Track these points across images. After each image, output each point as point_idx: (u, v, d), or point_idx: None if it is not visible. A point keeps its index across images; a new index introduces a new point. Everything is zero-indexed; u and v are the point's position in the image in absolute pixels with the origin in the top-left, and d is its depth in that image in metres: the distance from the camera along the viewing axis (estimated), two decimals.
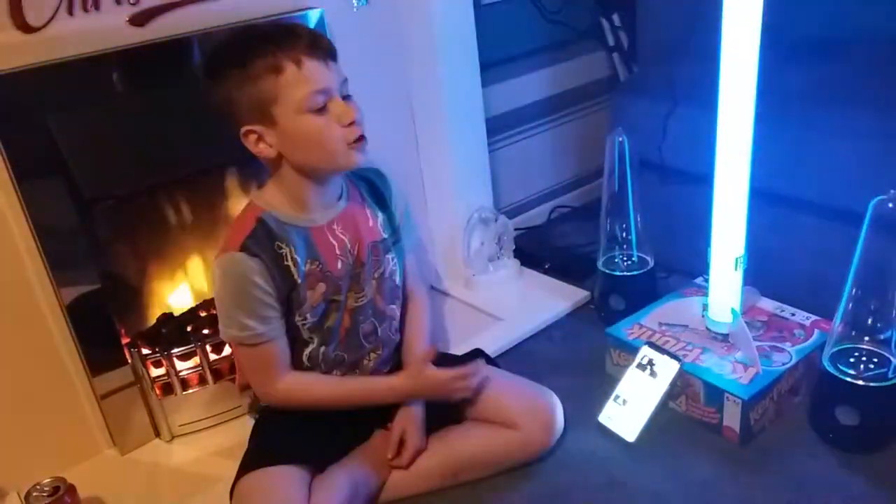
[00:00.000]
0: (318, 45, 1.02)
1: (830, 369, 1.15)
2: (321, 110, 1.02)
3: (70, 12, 1.12)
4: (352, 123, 1.04)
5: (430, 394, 1.17)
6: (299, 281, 1.09)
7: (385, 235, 1.19)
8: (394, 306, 1.22)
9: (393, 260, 1.21)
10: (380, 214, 1.20)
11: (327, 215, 1.13)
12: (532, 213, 2.05)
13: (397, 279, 1.22)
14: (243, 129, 1.04)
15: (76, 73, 1.15)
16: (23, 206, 1.15)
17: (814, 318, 1.34)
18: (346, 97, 1.06)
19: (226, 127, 1.05)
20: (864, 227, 1.09)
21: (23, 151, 1.13)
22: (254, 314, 1.07)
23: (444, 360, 1.25)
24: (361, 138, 1.06)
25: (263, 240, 1.07)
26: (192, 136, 1.27)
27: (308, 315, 1.12)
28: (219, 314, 1.10)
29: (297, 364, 1.15)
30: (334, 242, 1.13)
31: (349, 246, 1.14)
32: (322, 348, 1.15)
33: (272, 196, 1.11)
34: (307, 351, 1.15)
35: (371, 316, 1.19)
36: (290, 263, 1.08)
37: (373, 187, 1.21)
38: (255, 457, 1.10)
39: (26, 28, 1.09)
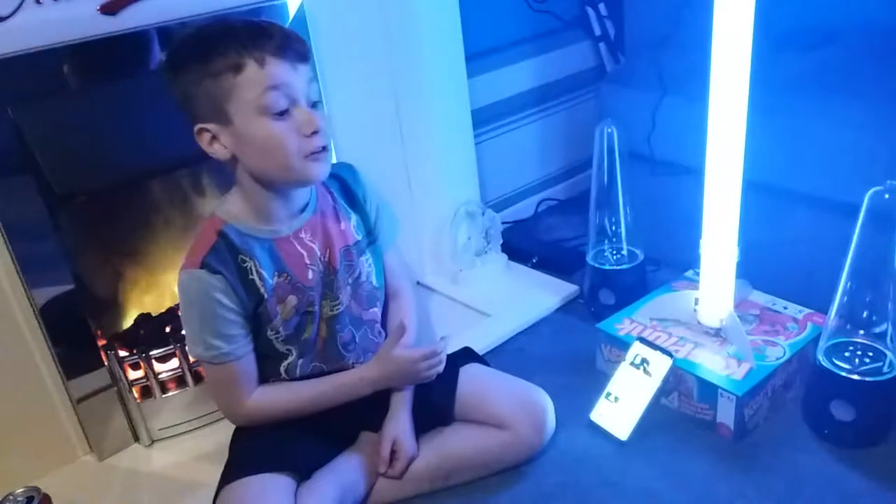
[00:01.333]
0: (288, 46, 0.96)
1: (825, 364, 1.14)
2: (282, 115, 0.96)
3: (38, 0, 1.08)
4: (314, 133, 0.97)
5: (400, 377, 1.12)
6: (266, 296, 1.04)
7: (358, 238, 1.14)
8: (374, 310, 1.18)
9: (368, 262, 1.15)
10: (353, 216, 1.14)
11: (293, 224, 1.07)
12: (518, 206, 2.02)
13: (374, 281, 1.17)
14: (197, 127, 0.98)
15: (45, 64, 1.11)
16: None
17: (806, 311, 1.32)
18: (314, 104, 0.99)
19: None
20: (860, 218, 1.08)
21: None
22: (218, 333, 1.03)
23: None
24: (322, 150, 0.99)
25: (225, 254, 1.02)
26: (167, 130, 1.22)
27: (280, 329, 1.08)
28: (185, 332, 1.07)
29: (274, 378, 1.12)
30: (303, 252, 1.08)
31: (319, 253, 1.09)
32: (300, 360, 1.11)
33: (234, 206, 1.05)
34: (284, 364, 1.11)
35: (349, 324, 1.14)
36: (255, 277, 1.03)
37: (344, 186, 1.15)
38: (238, 465, 1.06)
39: None
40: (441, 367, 1.14)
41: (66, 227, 1.21)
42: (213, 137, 0.99)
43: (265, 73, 0.94)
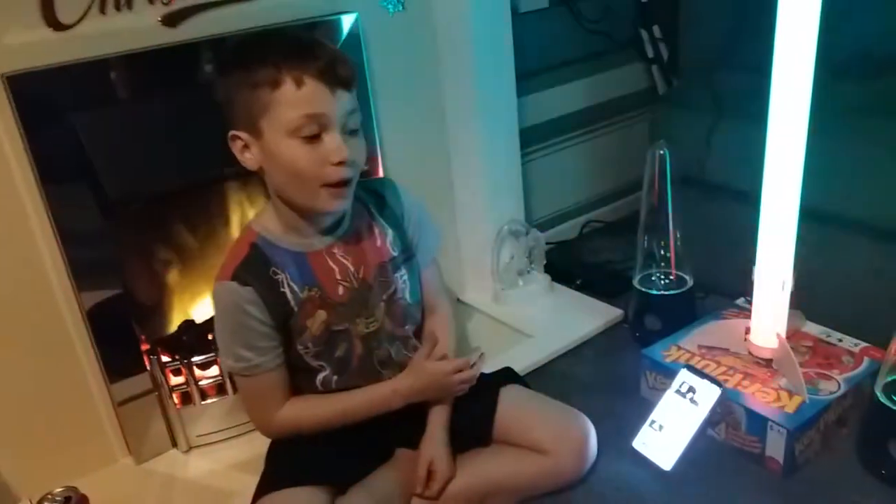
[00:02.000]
0: (331, 71, 0.94)
1: (884, 401, 1.08)
2: (312, 140, 0.95)
3: (102, 11, 1.11)
4: (341, 163, 0.96)
5: (433, 389, 1.10)
6: (295, 309, 1.04)
7: (394, 254, 1.12)
8: (408, 326, 1.16)
9: (403, 278, 1.13)
10: (390, 232, 1.13)
11: (326, 240, 1.07)
12: (563, 227, 2.00)
13: (408, 297, 1.14)
14: (231, 133, 0.99)
15: (106, 72, 1.13)
16: (47, 208, 1.13)
17: (863, 344, 1.27)
18: (352, 132, 0.98)
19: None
20: None
21: (49, 152, 1.11)
22: (249, 345, 1.03)
23: None
24: (344, 183, 0.98)
25: (257, 266, 1.02)
26: (221, 139, 1.24)
27: (310, 344, 1.07)
28: (217, 343, 1.07)
29: (310, 391, 1.11)
30: (334, 267, 1.07)
31: (352, 269, 1.08)
32: (335, 377, 1.10)
33: (269, 219, 1.06)
34: (320, 377, 1.10)
35: (385, 342, 1.12)
36: (286, 290, 1.03)
37: (382, 202, 1.13)
38: (274, 478, 1.06)
39: (57, 26, 1.08)
40: (474, 381, 1.11)
41: (117, 232, 1.24)
42: (245, 146, 0.99)
43: (301, 95, 0.93)
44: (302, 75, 0.93)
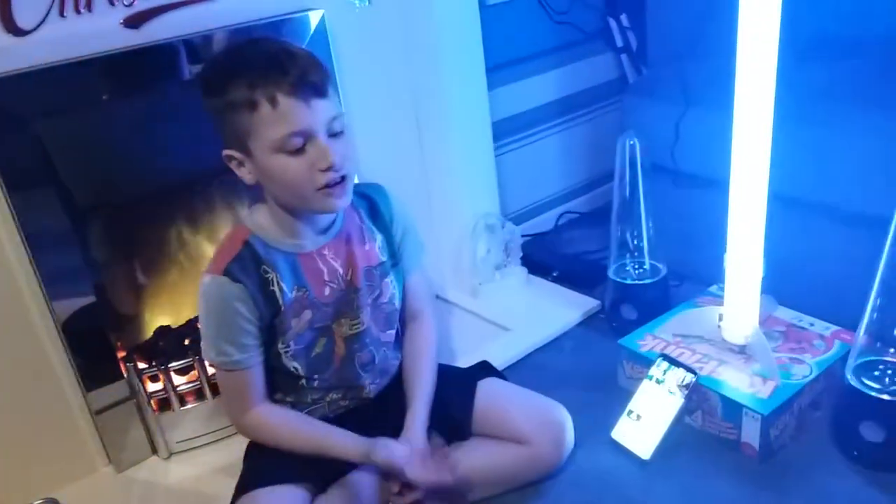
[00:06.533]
0: (303, 84, 0.93)
1: (854, 383, 1.10)
2: (298, 151, 0.96)
3: (62, 14, 1.09)
4: (329, 168, 0.96)
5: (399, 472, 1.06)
6: (283, 308, 1.04)
7: (383, 259, 1.13)
8: (391, 332, 1.16)
9: (392, 283, 1.14)
10: (378, 236, 1.13)
11: (318, 241, 1.07)
12: (539, 219, 2.00)
13: (396, 303, 1.16)
14: (225, 153, 1.00)
15: (68, 77, 1.12)
16: (14, 217, 1.11)
17: (834, 328, 1.29)
18: (336, 134, 0.98)
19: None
20: (891, 232, 1.05)
21: (13, 160, 1.09)
22: (232, 340, 1.03)
23: (448, 372, 1.21)
24: (340, 182, 0.98)
25: (249, 264, 1.03)
26: (189, 142, 1.23)
27: (291, 343, 1.07)
28: (201, 334, 1.07)
29: (292, 389, 1.11)
30: (323, 268, 1.07)
31: (341, 272, 1.08)
32: (315, 376, 1.11)
33: (262, 218, 1.06)
34: (302, 380, 1.11)
35: (370, 345, 1.13)
36: (275, 289, 1.03)
37: (373, 207, 1.14)
38: (253, 476, 1.06)
39: (16, 31, 1.06)
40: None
41: (87, 239, 1.22)
42: (240, 163, 1.00)
43: (278, 114, 0.93)
44: (275, 94, 0.92)
